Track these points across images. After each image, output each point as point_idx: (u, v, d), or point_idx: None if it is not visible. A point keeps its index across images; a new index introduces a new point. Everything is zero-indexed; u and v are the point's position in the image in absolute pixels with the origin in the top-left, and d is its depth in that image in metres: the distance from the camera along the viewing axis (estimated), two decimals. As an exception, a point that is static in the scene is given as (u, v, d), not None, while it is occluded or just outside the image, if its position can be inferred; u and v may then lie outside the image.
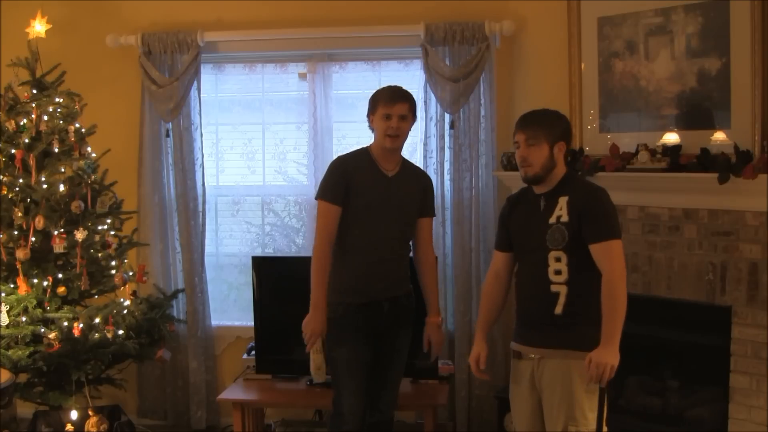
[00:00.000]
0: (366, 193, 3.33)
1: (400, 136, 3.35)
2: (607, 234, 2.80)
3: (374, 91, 3.45)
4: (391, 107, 3.31)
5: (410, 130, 3.43)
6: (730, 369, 3.56)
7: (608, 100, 4.07)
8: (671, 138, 3.72)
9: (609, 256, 2.79)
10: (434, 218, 3.60)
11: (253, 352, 4.38)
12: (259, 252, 4.83)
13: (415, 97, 3.44)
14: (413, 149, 4.63)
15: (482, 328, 3.14)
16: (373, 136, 3.43)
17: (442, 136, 4.47)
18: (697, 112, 3.75)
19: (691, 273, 3.67)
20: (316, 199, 3.43)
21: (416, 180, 3.49)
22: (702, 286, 3.64)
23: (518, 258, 3.04)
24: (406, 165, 3.50)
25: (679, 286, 3.72)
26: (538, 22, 4.41)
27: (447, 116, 4.45)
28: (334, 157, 3.64)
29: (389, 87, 3.43)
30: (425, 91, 4.48)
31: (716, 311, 3.60)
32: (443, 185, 4.50)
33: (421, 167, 4.46)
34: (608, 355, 2.75)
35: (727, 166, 3.42)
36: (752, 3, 3.47)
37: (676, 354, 3.92)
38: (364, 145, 3.48)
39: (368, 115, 3.41)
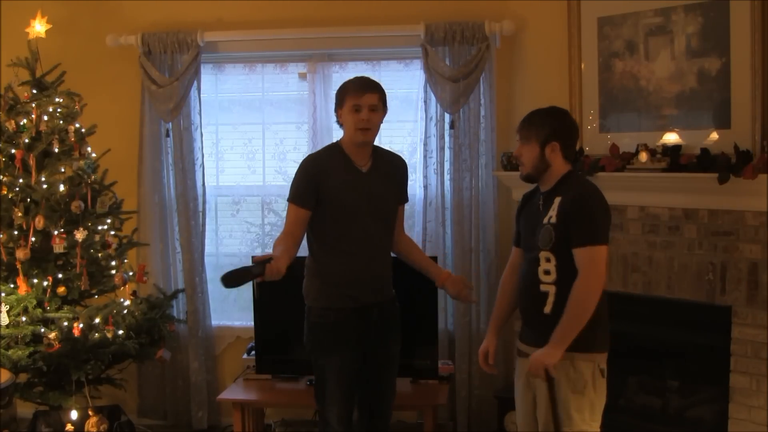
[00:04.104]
0: (341, 194, 3.20)
1: (371, 129, 3.19)
2: (587, 239, 2.75)
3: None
4: (359, 97, 3.16)
5: (381, 122, 3.27)
6: (730, 369, 3.56)
7: (608, 100, 4.07)
8: (671, 138, 3.72)
9: (586, 262, 2.75)
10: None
11: (253, 352, 4.39)
12: (259, 252, 4.83)
13: (384, 89, 3.28)
14: (413, 149, 4.64)
15: (494, 321, 3.14)
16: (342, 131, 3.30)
17: (442, 136, 4.47)
18: (697, 112, 3.75)
19: (691, 273, 3.67)
20: (287, 201, 3.29)
21: (393, 169, 3.34)
22: (702, 286, 3.64)
23: (523, 255, 3.04)
24: (379, 154, 3.32)
25: (679, 286, 3.72)
26: (538, 22, 4.41)
27: (447, 116, 4.45)
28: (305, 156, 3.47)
29: (356, 78, 3.29)
30: (425, 91, 4.48)
31: (716, 311, 3.60)
32: (443, 185, 4.49)
33: (421, 167, 4.47)
34: (546, 355, 2.76)
35: (727, 166, 3.42)
36: (752, 3, 3.47)
37: (676, 354, 3.92)
38: (335, 141, 3.36)
39: (336, 110, 3.27)
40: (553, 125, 2.89)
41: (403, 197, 3.42)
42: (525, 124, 2.93)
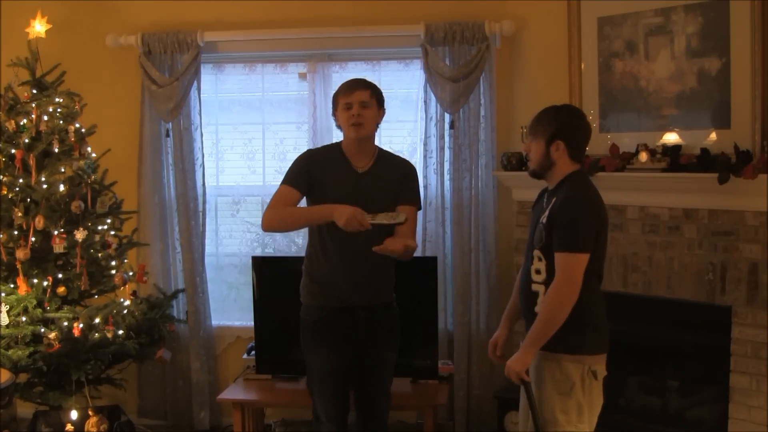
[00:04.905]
0: (334, 192, 3.19)
1: (363, 125, 3.20)
2: (566, 245, 2.73)
3: None
4: (350, 95, 3.21)
5: (378, 120, 3.29)
6: (730, 369, 3.56)
7: (608, 100, 4.07)
8: (671, 138, 3.73)
9: (561, 268, 2.73)
10: (419, 211, 3.42)
11: (253, 352, 4.39)
12: (259, 252, 4.83)
13: (379, 88, 3.30)
14: (413, 149, 4.64)
15: (506, 314, 3.13)
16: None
17: (442, 136, 4.47)
18: (697, 112, 3.75)
19: (691, 273, 3.67)
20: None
21: (393, 171, 3.31)
22: (702, 286, 3.64)
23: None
24: (383, 157, 3.33)
25: (679, 286, 3.72)
26: (538, 22, 4.42)
27: (447, 116, 4.45)
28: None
29: (347, 80, 3.33)
30: (425, 91, 4.48)
31: (716, 311, 3.60)
32: (443, 185, 4.50)
33: (421, 167, 4.46)
34: (515, 361, 2.77)
35: (727, 166, 3.42)
36: (752, 3, 3.48)
37: (676, 354, 3.92)
38: (337, 141, 3.38)
39: (333, 114, 3.32)
40: (559, 124, 2.86)
41: (405, 197, 3.32)
42: (534, 120, 2.92)
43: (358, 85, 3.26)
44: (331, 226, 3.18)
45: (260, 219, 3.16)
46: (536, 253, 2.84)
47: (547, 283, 2.80)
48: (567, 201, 2.78)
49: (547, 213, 2.82)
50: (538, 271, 2.84)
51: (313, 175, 3.24)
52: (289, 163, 3.36)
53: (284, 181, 3.28)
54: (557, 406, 2.77)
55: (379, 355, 3.34)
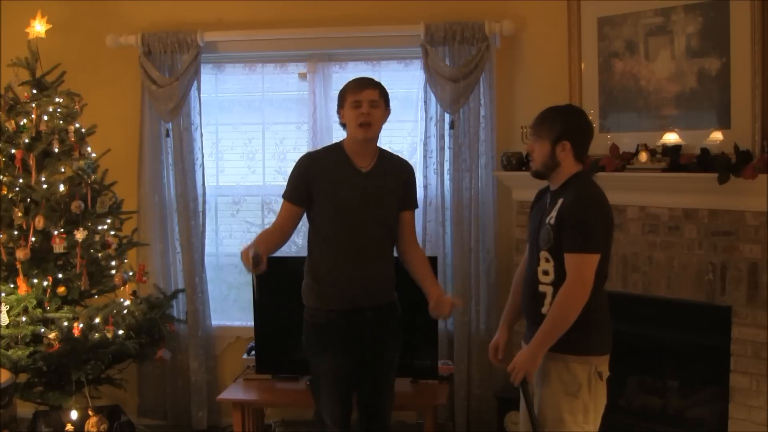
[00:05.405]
0: (337, 193, 3.17)
1: (372, 124, 3.14)
2: (577, 246, 2.72)
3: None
4: (359, 93, 3.15)
5: (384, 121, 3.25)
6: (730, 369, 3.56)
7: (608, 100, 4.07)
8: (671, 138, 3.72)
9: (573, 268, 2.73)
10: (417, 211, 3.42)
11: (253, 352, 4.39)
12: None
13: (386, 88, 3.27)
14: (413, 149, 4.64)
15: (505, 316, 3.11)
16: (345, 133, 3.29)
17: (442, 136, 4.47)
18: (697, 112, 3.75)
19: (691, 273, 3.67)
20: (281, 197, 3.30)
21: (396, 172, 3.28)
22: (702, 286, 3.64)
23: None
24: (384, 157, 3.29)
25: (679, 286, 3.72)
26: (538, 22, 4.42)
27: (447, 116, 4.45)
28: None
29: (356, 77, 3.30)
30: (425, 91, 4.48)
31: (716, 311, 3.60)
32: (443, 185, 4.50)
33: (421, 167, 4.47)
34: (525, 360, 2.77)
35: (727, 166, 3.42)
36: (752, 3, 3.48)
37: (676, 354, 3.92)
38: (338, 140, 3.35)
39: (338, 111, 3.26)
40: (565, 124, 2.85)
41: (408, 203, 3.32)
42: (539, 120, 2.90)
43: (367, 83, 3.22)
44: (334, 226, 3.19)
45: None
46: (543, 254, 2.82)
47: (555, 284, 2.79)
48: (576, 202, 2.77)
49: (554, 214, 2.80)
50: (545, 272, 2.83)
51: (312, 181, 3.20)
52: (290, 163, 3.35)
53: (284, 195, 3.28)
54: (564, 406, 2.76)
55: (385, 356, 3.32)
